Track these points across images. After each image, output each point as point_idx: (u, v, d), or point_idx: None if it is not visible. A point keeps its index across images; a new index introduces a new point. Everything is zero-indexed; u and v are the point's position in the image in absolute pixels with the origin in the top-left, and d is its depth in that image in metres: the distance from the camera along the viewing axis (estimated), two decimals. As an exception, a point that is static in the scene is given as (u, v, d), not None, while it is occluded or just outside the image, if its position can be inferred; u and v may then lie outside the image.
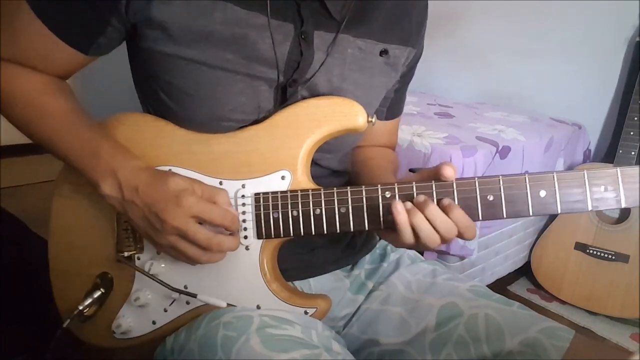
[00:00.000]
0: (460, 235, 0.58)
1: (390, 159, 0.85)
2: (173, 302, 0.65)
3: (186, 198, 0.56)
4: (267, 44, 0.62)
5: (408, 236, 0.57)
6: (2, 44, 0.63)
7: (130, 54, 0.69)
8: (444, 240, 0.58)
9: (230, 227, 0.59)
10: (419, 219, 0.56)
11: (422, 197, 0.57)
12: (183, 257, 0.60)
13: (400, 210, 0.56)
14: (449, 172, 0.57)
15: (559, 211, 0.56)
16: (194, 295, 0.61)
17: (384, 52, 0.71)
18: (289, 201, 0.61)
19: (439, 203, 0.57)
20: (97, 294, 0.66)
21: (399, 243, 0.60)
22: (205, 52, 0.61)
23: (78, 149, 0.62)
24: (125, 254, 0.66)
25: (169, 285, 0.62)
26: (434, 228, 0.57)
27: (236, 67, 0.62)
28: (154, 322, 0.66)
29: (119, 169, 0.60)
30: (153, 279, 0.62)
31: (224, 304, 0.59)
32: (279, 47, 0.62)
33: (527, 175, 0.57)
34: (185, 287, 0.64)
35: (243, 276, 0.63)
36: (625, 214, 1.71)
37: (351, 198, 0.60)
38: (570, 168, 1.93)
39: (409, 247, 0.61)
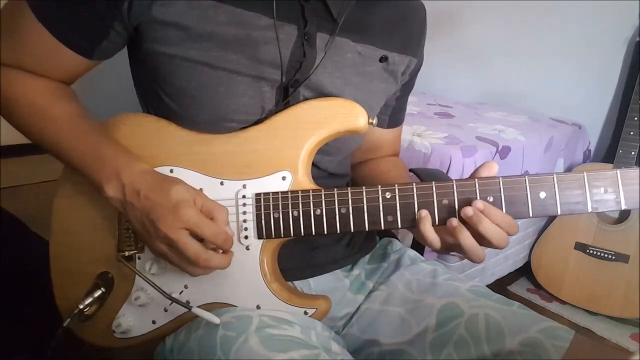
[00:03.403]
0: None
1: (401, 167, 0.87)
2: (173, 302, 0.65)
3: (184, 210, 0.56)
4: (271, 45, 0.62)
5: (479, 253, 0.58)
6: (4, 50, 0.63)
7: (132, 56, 0.69)
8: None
9: (221, 247, 0.58)
10: (486, 224, 0.56)
11: (470, 212, 0.57)
12: (174, 265, 0.60)
13: (456, 227, 0.57)
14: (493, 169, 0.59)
15: (559, 212, 0.56)
16: (189, 308, 0.61)
17: (383, 59, 0.71)
18: (290, 201, 0.61)
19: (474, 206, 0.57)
20: (97, 293, 0.66)
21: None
22: (207, 53, 0.61)
23: (82, 153, 0.62)
24: (126, 253, 0.66)
25: (165, 293, 0.62)
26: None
27: (239, 67, 0.62)
28: (154, 322, 0.66)
29: (122, 172, 0.60)
30: (149, 283, 0.62)
31: (217, 320, 0.59)
32: (283, 48, 0.62)
33: (527, 176, 0.57)
34: (186, 286, 0.65)
35: (243, 276, 0.63)
36: (625, 214, 1.71)
37: (351, 199, 0.60)
38: (570, 168, 1.93)
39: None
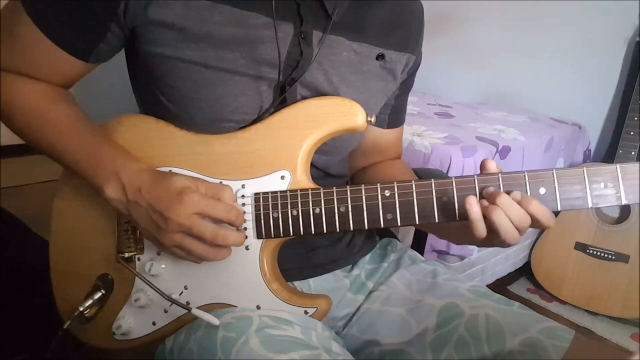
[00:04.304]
0: (538, 226, 0.56)
1: (406, 170, 0.86)
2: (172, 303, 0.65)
3: (189, 195, 0.56)
4: (268, 44, 0.62)
5: (480, 230, 0.56)
6: (2, 55, 0.63)
7: (129, 58, 0.69)
8: (519, 231, 0.56)
9: (235, 222, 0.59)
10: (498, 214, 0.54)
11: (491, 189, 0.56)
12: (189, 256, 0.60)
13: (473, 203, 0.55)
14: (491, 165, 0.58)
15: (559, 208, 0.56)
16: (189, 309, 0.61)
17: (380, 57, 0.71)
18: (289, 201, 0.61)
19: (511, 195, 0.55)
20: (97, 295, 0.66)
21: (469, 238, 0.58)
22: (204, 53, 0.61)
23: (80, 155, 0.62)
24: (126, 254, 0.66)
25: (164, 294, 0.62)
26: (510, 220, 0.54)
27: (236, 67, 0.62)
28: (154, 323, 0.66)
29: (121, 172, 0.60)
30: (149, 285, 0.62)
31: (216, 322, 0.59)
32: (280, 46, 0.62)
33: (526, 172, 0.57)
34: (186, 287, 0.64)
35: (243, 276, 0.63)
36: (625, 213, 1.71)
37: (350, 197, 0.60)
38: (570, 168, 1.93)
39: (479, 244, 0.60)
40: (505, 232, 0.55)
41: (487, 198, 0.56)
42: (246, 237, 0.62)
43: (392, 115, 0.82)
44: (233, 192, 0.61)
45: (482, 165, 0.59)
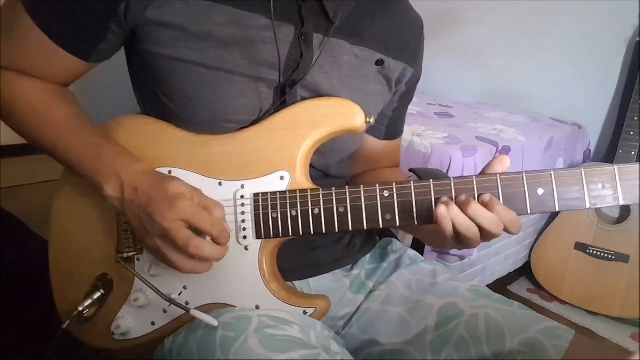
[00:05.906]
0: (505, 230, 0.57)
1: (399, 178, 0.86)
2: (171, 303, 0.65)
3: (180, 202, 0.56)
4: (268, 45, 0.62)
5: (448, 232, 0.56)
6: (2, 53, 0.63)
7: (130, 58, 0.69)
8: (491, 235, 0.56)
9: (218, 238, 0.58)
10: (455, 213, 0.55)
11: (463, 197, 0.56)
12: (168, 263, 0.59)
13: (442, 211, 0.55)
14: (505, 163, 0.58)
15: (557, 209, 0.57)
16: (187, 310, 0.61)
17: (379, 62, 0.71)
18: (288, 201, 0.61)
19: (480, 199, 0.56)
20: (96, 295, 0.66)
21: (439, 241, 0.59)
22: (204, 54, 0.61)
23: (81, 153, 0.62)
24: (125, 254, 0.66)
25: (163, 294, 0.62)
26: (479, 225, 0.55)
27: (236, 68, 0.62)
28: (153, 323, 0.66)
29: (122, 171, 0.60)
30: (148, 285, 0.62)
31: (215, 323, 0.59)
32: (280, 48, 0.62)
33: (524, 173, 0.57)
34: (185, 287, 0.64)
35: (242, 276, 0.63)
36: (625, 213, 1.71)
37: (349, 198, 0.60)
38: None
39: (450, 247, 0.60)
40: (467, 231, 0.55)
41: (459, 206, 0.56)
42: (245, 237, 0.62)
43: (390, 127, 0.83)
44: (224, 211, 0.60)
45: (494, 161, 0.59)
